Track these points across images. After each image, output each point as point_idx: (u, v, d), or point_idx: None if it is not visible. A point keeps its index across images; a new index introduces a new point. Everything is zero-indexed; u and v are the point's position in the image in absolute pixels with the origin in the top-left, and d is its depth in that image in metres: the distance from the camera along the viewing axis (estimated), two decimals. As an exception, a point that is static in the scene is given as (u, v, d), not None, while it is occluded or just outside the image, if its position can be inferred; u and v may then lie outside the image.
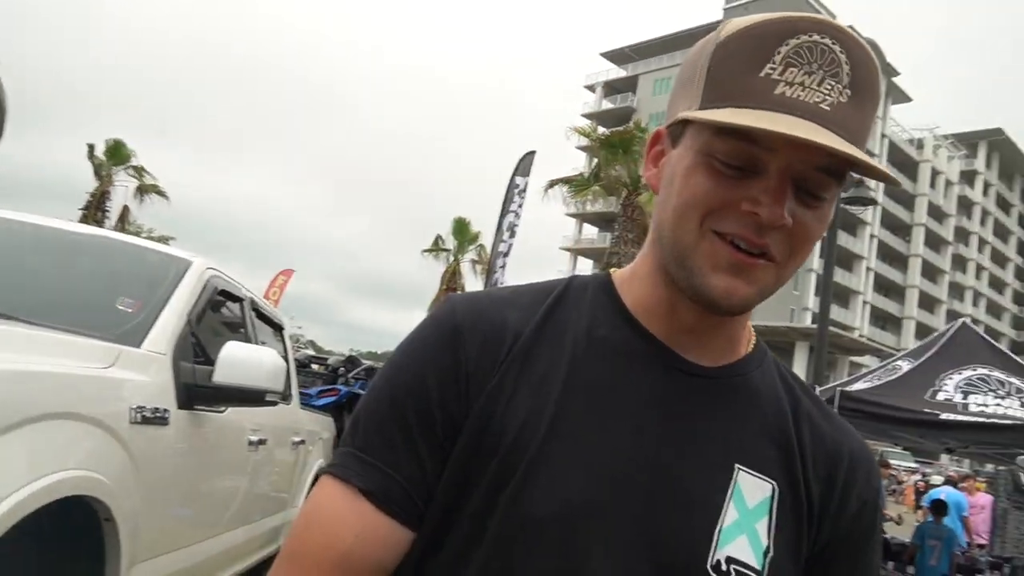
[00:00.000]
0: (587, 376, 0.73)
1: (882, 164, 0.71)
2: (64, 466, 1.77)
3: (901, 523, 12.98)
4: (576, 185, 17.76)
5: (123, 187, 28.09)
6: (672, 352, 0.75)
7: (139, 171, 28.26)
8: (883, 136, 54.33)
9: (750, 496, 0.72)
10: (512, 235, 8.85)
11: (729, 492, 0.71)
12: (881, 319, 57.34)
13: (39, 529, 1.76)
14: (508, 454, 0.70)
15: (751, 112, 0.64)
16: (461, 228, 28.51)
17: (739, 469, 0.73)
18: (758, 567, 0.70)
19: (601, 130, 22.10)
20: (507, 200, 8.57)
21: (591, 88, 62.66)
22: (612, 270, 0.85)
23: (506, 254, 8.66)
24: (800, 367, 31.13)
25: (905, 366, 6.85)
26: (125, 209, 28.34)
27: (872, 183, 10.77)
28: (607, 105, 60.08)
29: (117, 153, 27.92)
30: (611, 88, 61.02)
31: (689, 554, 0.69)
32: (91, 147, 27.82)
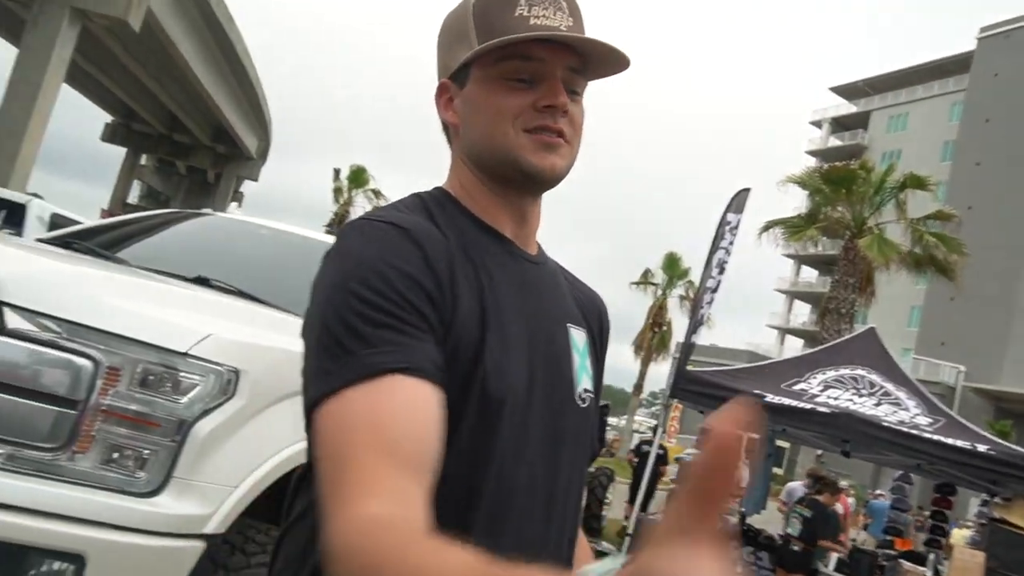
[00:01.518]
0: (491, 275, 0.91)
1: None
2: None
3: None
4: (792, 227, 16.90)
5: (362, 209, 31.07)
6: (519, 248, 0.99)
7: (376, 193, 31.12)
8: None
9: (579, 343, 1.01)
10: (721, 271, 8.73)
11: (570, 344, 0.99)
12: None
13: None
14: (465, 349, 0.84)
15: (518, 36, 0.88)
16: (672, 263, 28.25)
17: (569, 327, 1.01)
18: (592, 390, 1.01)
19: (824, 166, 20.97)
20: (718, 236, 8.49)
21: (817, 124, 59.46)
22: (440, 186, 1.01)
23: (714, 290, 8.56)
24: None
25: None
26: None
27: None
28: (835, 142, 56.65)
29: (358, 178, 30.94)
30: (839, 124, 57.46)
31: (569, 396, 0.96)
32: (336, 171, 31.10)
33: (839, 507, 9.36)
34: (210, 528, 1.84)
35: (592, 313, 1.09)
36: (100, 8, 21.60)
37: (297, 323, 2.77)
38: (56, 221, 7.81)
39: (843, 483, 13.36)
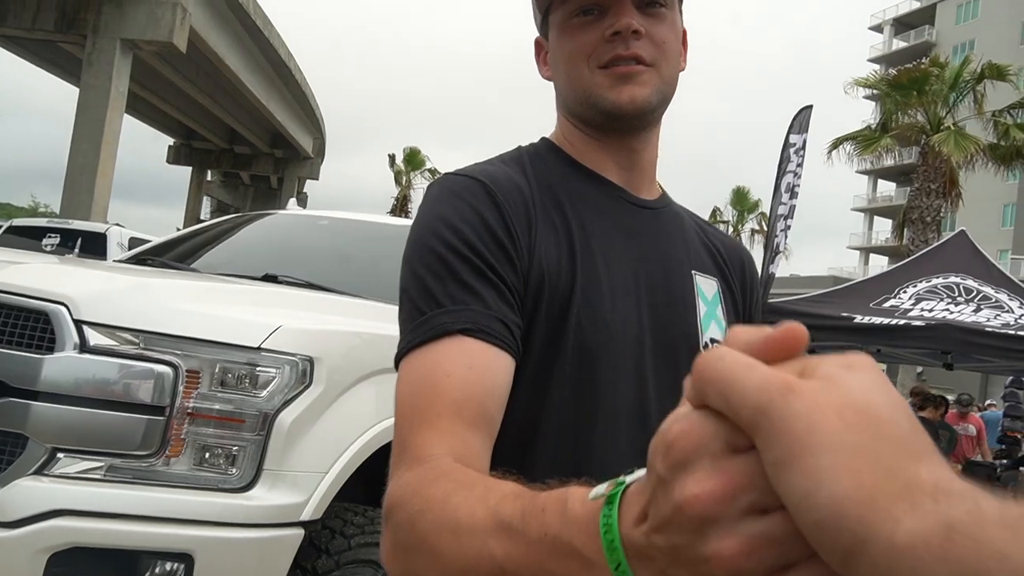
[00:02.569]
0: (581, 222, 0.88)
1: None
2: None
3: None
4: (863, 140, 16.07)
5: (421, 189, 31.37)
6: (628, 192, 0.94)
7: (433, 173, 31.35)
8: None
9: (707, 292, 0.95)
10: (792, 196, 8.41)
11: (695, 292, 0.93)
12: None
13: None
14: (552, 298, 0.82)
15: None
16: (740, 198, 27.58)
17: (695, 274, 0.95)
18: (715, 341, 0.92)
19: (893, 74, 19.86)
20: (783, 160, 8.17)
21: (878, 28, 56.35)
22: (546, 136, 0.98)
23: (788, 216, 8.26)
24: None
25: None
26: (424, 209, 31.59)
27: None
28: (899, 44, 53.63)
29: (413, 159, 31.23)
30: (902, 24, 54.30)
31: (689, 345, 0.90)
32: (391, 157, 31.46)
33: (971, 427, 8.89)
34: (306, 515, 1.88)
35: (734, 263, 1.02)
36: (147, 35, 22.26)
37: (366, 305, 2.78)
38: (135, 244, 8.16)
39: (950, 397, 12.82)
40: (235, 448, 1.83)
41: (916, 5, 53.05)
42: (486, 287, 0.77)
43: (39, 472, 1.71)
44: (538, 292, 0.81)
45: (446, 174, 0.89)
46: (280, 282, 2.84)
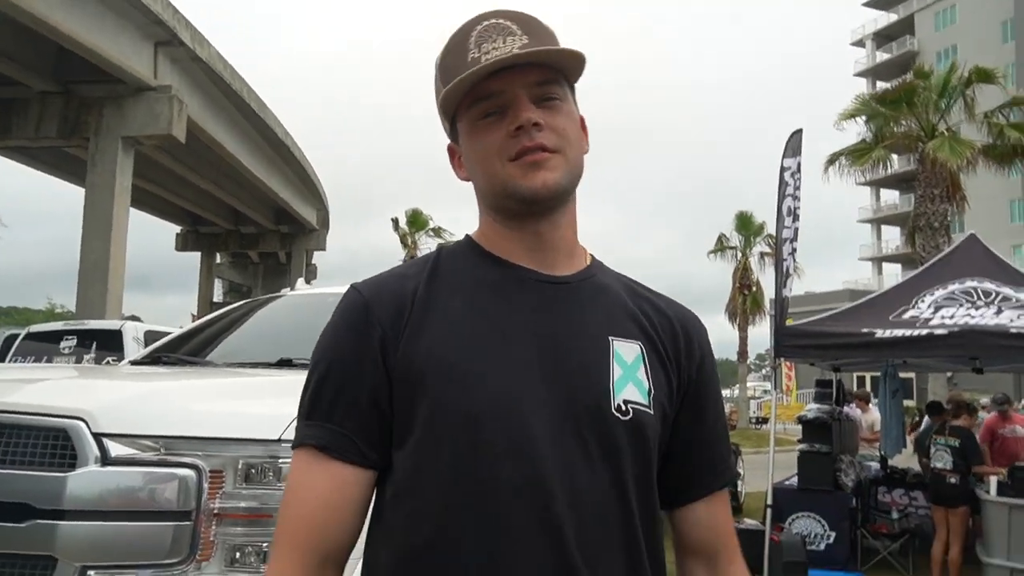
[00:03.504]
0: (479, 304, 0.95)
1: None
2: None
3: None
4: (857, 152, 16.10)
5: (427, 248, 31.61)
6: (536, 272, 0.99)
7: (437, 231, 31.61)
8: None
9: (626, 355, 0.97)
10: (795, 219, 8.43)
11: (611, 356, 0.96)
12: None
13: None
14: (435, 374, 0.90)
15: (468, 73, 0.91)
16: (745, 222, 27.50)
17: (612, 339, 0.98)
18: (645, 402, 0.96)
19: (880, 86, 20.02)
20: (781, 184, 8.22)
21: (859, 43, 57.07)
22: (469, 234, 1.06)
23: (793, 239, 8.27)
24: None
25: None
26: (433, 269, 31.79)
27: None
28: (883, 56, 54.22)
29: (416, 221, 31.52)
30: (883, 37, 54.99)
31: (598, 406, 0.92)
32: (395, 220, 31.75)
33: (1019, 428, 8.54)
34: (345, 604, 1.85)
35: (664, 326, 1.04)
36: (147, 130, 22.84)
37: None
38: (150, 337, 8.22)
39: (983, 400, 12.52)
40: (265, 545, 1.80)
41: (894, 17, 53.80)
42: (352, 402, 0.91)
43: (70, 593, 1.69)
44: (414, 381, 0.90)
45: (352, 285, 0.99)
46: (295, 365, 2.85)
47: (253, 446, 1.85)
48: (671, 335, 1.03)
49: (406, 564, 0.88)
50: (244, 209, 41.10)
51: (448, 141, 1.05)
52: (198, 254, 47.50)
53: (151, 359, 3.28)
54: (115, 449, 1.77)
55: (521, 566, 0.86)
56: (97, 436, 1.76)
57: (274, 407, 2.01)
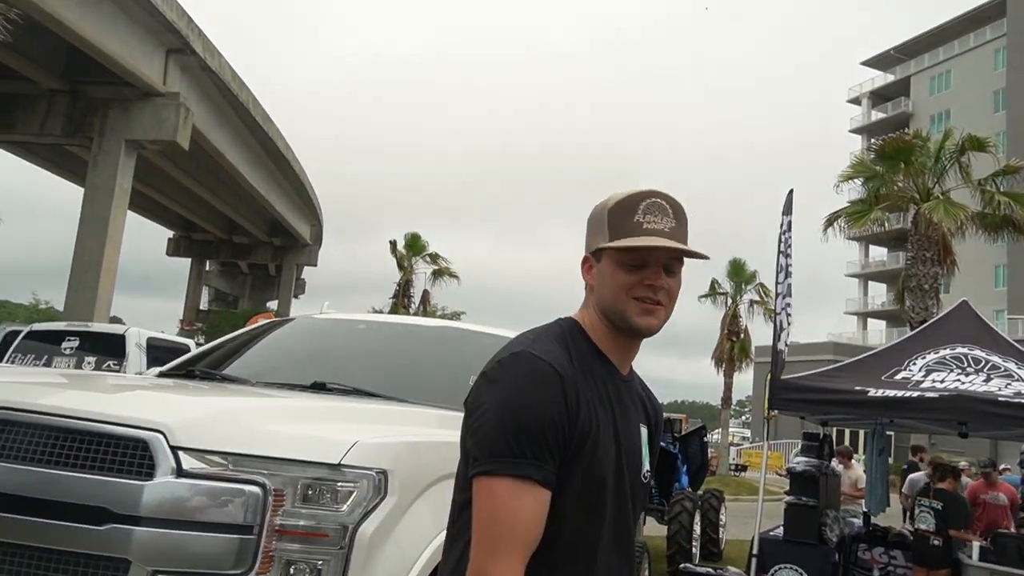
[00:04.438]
0: (598, 391, 1.34)
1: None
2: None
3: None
4: (855, 213, 16.45)
5: (423, 274, 31.71)
6: (618, 371, 1.42)
7: (434, 257, 31.73)
8: None
9: (643, 437, 1.44)
10: (787, 275, 8.66)
11: (641, 441, 1.43)
12: None
13: None
14: (588, 450, 1.28)
15: (636, 239, 1.31)
16: (737, 270, 27.81)
17: (641, 426, 1.44)
18: (648, 471, 1.45)
19: (873, 141, 20.45)
20: (779, 241, 8.47)
21: (855, 101, 58.23)
22: (572, 317, 1.43)
23: (786, 295, 8.49)
24: None
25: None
26: (426, 293, 31.86)
27: None
28: (878, 115, 55.32)
29: (415, 245, 31.61)
30: (879, 96, 56.15)
31: (637, 471, 1.41)
32: (393, 243, 31.82)
33: (1002, 496, 8.62)
34: (389, 623, 1.95)
35: (651, 409, 1.52)
36: (151, 135, 22.94)
37: (412, 411, 2.88)
38: (152, 344, 8.26)
39: (963, 463, 12.71)
40: (320, 562, 1.91)
41: (891, 78, 54.97)
42: (546, 454, 1.23)
43: (140, 596, 1.79)
44: (578, 444, 1.27)
45: (531, 353, 1.30)
46: (329, 390, 2.96)
47: (314, 468, 1.95)
48: (655, 415, 1.54)
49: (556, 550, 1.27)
50: (239, 219, 41.10)
51: (586, 253, 1.42)
52: (188, 260, 47.38)
53: (183, 372, 3.38)
54: (188, 463, 1.88)
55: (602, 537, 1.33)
56: (174, 449, 1.87)
57: (333, 432, 2.13)
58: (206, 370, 3.26)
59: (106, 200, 22.38)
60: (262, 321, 4.85)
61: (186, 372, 3.37)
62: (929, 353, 6.91)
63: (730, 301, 28.07)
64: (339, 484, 1.96)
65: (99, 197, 22.50)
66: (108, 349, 7.99)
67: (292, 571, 1.90)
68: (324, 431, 2.12)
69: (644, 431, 1.45)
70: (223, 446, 1.92)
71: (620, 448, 1.34)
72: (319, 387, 2.98)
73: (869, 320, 55.92)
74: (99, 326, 9.18)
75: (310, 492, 1.95)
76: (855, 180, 17.26)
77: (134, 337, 8.03)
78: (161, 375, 3.47)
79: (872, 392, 6.35)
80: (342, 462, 1.98)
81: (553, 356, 1.30)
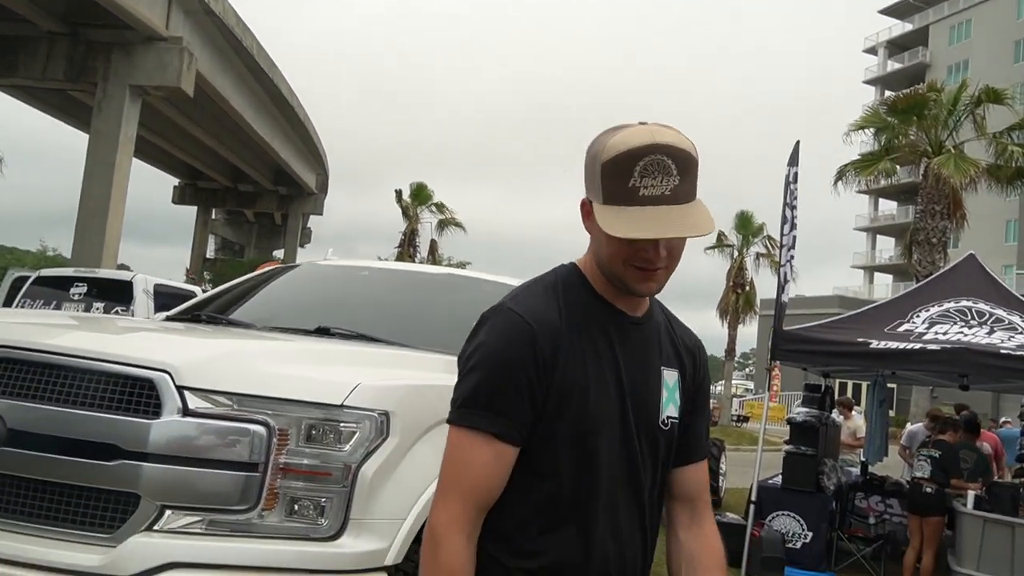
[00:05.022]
0: (593, 339, 1.30)
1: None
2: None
3: None
4: (864, 164, 16.23)
5: (429, 224, 31.66)
6: (624, 313, 1.35)
7: (439, 207, 31.64)
8: None
9: (669, 381, 1.39)
10: (792, 227, 8.61)
11: (661, 380, 1.38)
12: None
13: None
14: (573, 397, 1.26)
15: (628, 211, 1.19)
16: (744, 222, 27.65)
17: (663, 369, 1.38)
18: (677, 417, 1.39)
19: (888, 95, 20.13)
20: (785, 192, 8.41)
21: (872, 51, 57.03)
22: (576, 263, 1.38)
23: (791, 247, 8.47)
24: None
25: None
26: (433, 243, 31.86)
27: None
28: (894, 66, 54.24)
29: (420, 194, 31.49)
30: (896, 46, 54.95)
31: (652, 418, 1.35)
32: (399, 192, 31.70)
33: (987, 446, 8.85)
34: (390, 560, 2.02)
35: (687, 352, 1.45)
36: (155, 80, 22.67)
37: (415, 356, 2.92)
38: (159, 290, 8.33)
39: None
40: (323, 499, 1.96)
41: (909, 27, 53.73)
42: (513, 406, 1.23)
43: (150, 528, 1.85)
44: (560, 395, 1.25)
45: (507, 308, 1.28)
46: (332, 334, 3.00)
47: (317, 409, 1.99)
48: (691, 360, 1.46)
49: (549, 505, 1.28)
50: (244, 167, 40.90)
51: (584, 197, 1.31)
52: (195, 208, 47.33)
53: (190, 317, 3.42)
54: (193, 402, 1.92)
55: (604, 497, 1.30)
56: (180, 388, 1.91)
57: (336, 374, 2.17)
58: (212, 314, 3.30)
59: (111, 146, 22.26)
60: (268, 268, 4.87)
61: (193, 316, 3.41)
62: (933, 306, 6.91)
63: (736, 253, 28.00)
64: (342, 424, 2.01)
65: (104, 143, 22.37)
66: (116, 295, 8.05)
67: (296, 508, 1.96)
68: (327, 373, 2.16)
69: (669, 373, 1.38)
70: (228, 386, 1.96)
71: (623, 394, 1.30)
72: (323, 332, 3.02)
73: (876, 274, 55.80)
74: (106, 272, 9.24)
75: (313, 432, 1.99)
76: (867, 132, 17.02)
77: (141, 283, 8.09)
78: (168, 319, 3.51)
79: (874, 344, 6.38)
80: (344, 403, 2.02)
81: (531, 309, 1.27)
